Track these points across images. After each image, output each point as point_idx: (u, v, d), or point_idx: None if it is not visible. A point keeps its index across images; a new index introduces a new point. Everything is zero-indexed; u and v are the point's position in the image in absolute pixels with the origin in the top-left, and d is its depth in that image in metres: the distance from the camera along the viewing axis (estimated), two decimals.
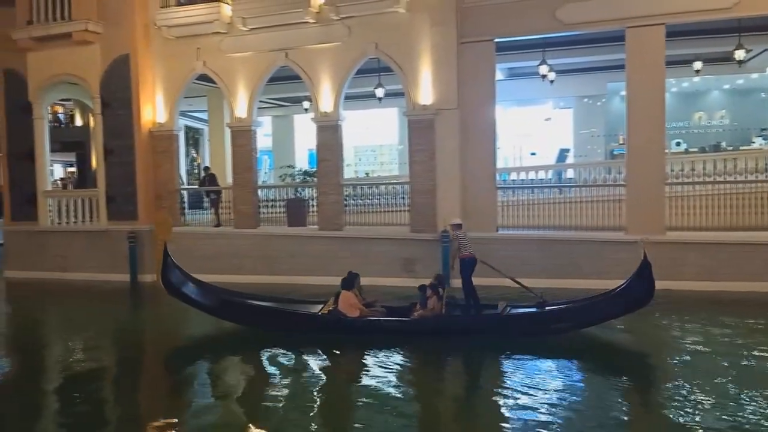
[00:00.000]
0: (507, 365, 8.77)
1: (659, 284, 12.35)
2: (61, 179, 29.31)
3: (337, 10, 14.21)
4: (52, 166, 20.83)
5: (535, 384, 7.76)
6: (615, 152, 20.07)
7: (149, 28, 16.08)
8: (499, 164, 15.73)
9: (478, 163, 13.92)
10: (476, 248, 10.36)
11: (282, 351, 9.42)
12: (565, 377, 8.25)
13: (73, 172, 30.50)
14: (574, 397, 7.42)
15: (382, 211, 15.29)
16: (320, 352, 9.37)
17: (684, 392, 7.33)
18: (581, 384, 8.15)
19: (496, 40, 13.88)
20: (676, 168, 14.91)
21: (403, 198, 15.19)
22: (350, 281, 10.20)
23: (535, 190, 15.57)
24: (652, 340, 9.98)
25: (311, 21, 14.56)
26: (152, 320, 12.63)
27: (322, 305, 10.42)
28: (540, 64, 16.33)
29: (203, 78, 16.63)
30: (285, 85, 19.45)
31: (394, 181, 17.32)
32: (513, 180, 17.20)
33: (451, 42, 13.80)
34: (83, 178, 26.87)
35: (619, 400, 7.46)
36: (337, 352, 9.48)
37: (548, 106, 23.11)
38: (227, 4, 15.21)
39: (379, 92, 18.02)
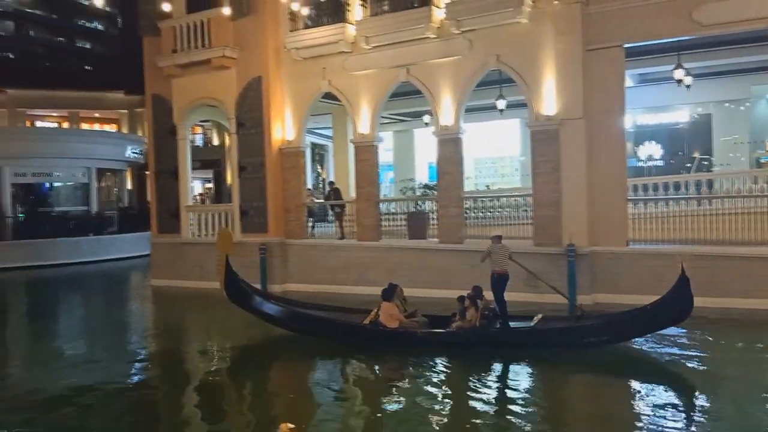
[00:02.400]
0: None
1: None
2: (200, 195, 31.56)
3: (458, 24, 14.24)
4: (192, 182, 22.46)
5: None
6: (762, 160, 18.46)
7: (279, 52, 17.01)
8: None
9: (606, 173, 13.34)
10: (604, 263, 9.92)
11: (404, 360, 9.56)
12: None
13: (210, 188, 32.77)
14: None
15: (504, 224, 14.99)
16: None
17: None
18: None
19: (626, 45, 13.29)
20: None
21: (526, 211, 14.80)
22: (390, 293, 10.51)
23: (670, 201, 14.62)
24: None
25: (432, 36, 14.71)
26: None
27: (367, 315, 10.81)
28: (675, 69, 15.39)
29: (328, 96, 17.29)
30: (406, 100, 19.74)
31: (517, 194, 16.98)
32: (645, 191, 16.26)
33: (577, 50, 13.37)
34: (219, 193, 28.84)
35: None
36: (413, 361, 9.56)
37: (684, 112, 21.69)
38: (351, 24, 15.76)
39: (501, 104, 17.79)
